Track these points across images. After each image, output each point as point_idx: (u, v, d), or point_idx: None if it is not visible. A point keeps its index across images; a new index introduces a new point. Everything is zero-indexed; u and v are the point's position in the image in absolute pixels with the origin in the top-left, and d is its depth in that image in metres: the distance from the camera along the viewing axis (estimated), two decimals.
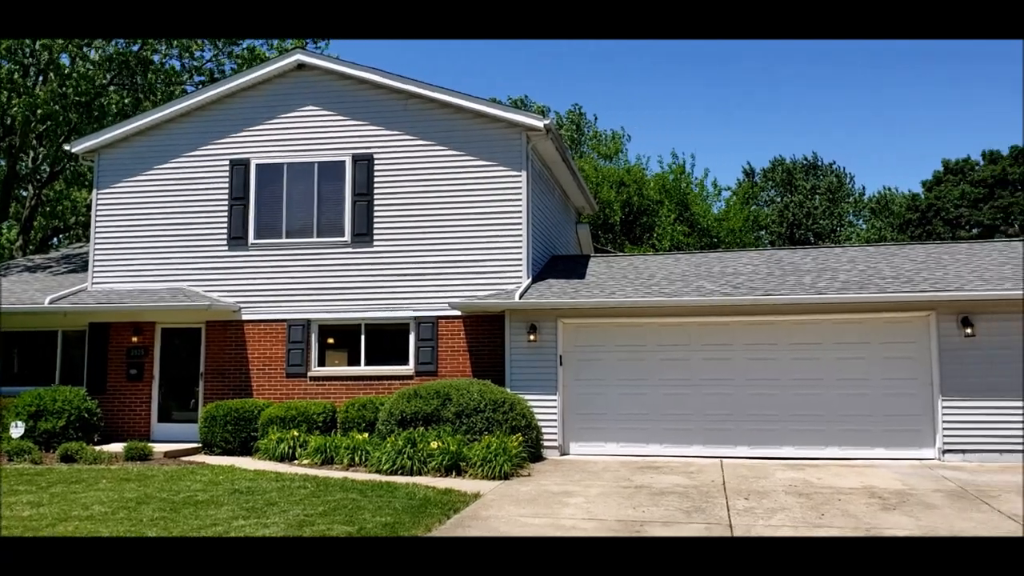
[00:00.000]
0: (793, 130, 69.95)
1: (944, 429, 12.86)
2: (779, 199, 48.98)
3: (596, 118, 48.39)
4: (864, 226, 48.58)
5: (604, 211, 31.34)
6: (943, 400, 12.90)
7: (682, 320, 14.02)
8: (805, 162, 50.20)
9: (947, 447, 12.83)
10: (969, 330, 12.88)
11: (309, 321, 15.63)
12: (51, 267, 20.04)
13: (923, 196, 44.52)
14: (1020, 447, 12.55)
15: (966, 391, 12.85)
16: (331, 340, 15.72)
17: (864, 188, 51.37)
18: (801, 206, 47.10)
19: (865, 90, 70.89)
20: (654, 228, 32.31)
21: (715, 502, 9.77)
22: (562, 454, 13.98)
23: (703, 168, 61.86)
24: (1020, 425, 12.62)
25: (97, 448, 14.31)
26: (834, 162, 50.67)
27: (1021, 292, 12.60)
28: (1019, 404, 12.63)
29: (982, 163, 44.15)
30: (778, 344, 13.76)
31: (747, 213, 37.56)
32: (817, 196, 47.86)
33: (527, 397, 13.82)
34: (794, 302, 13.35)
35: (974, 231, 41.41)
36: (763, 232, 46.29)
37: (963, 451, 12.77)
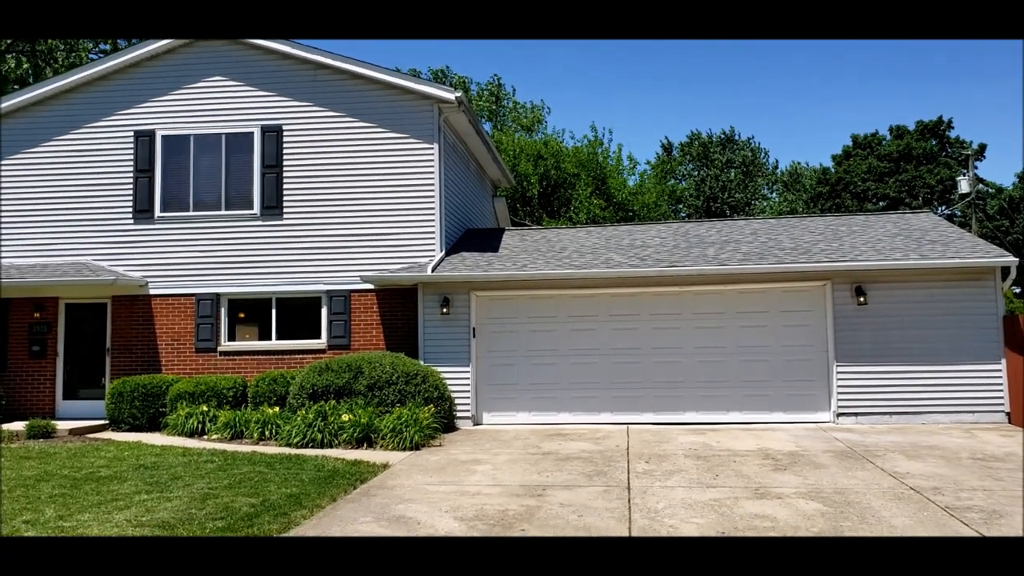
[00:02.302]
0: (711, 106, 71.21)
1: (838, 393, 13.47)
2: (696, 173, 49.95)
3: (515, 90, 48.45)
4: (777, 199, 49.93)
5: (522, 184, 31.52)
6: (837, 366, 13.51)
7: (592, 292, 14.31)
8: (722, 136, 51.23)
9: (841, 410, 13.45)
10: (862, 299, 13.48)
11: (219, 295, 15.43)
12: None
13: (833, 170, 45.95)
14: (908, 409, 13.24)
15: (859, 357, 13.48)
16: (242, 315, 15.56)
17: (778, 162, 52.77)
18: (717, 179, 48.13)
19: (783, 61, 72.51)
20: (571, 202, 32.66)
21: (617, 466, 10.09)
22: (475, 424, 14.18)
23: (620, 143, 62.49)
24: (908, 389, 13.29)
25: None
26: (752, 137, 51.89)
27: (910, 262, 13.23)
28: (907, 368, 13.30)
29: (889, 138, 45.74)
30: (683, 314, 14.17)
31: (663, 187, 38.27)
32: (732, 170, 48.95)
33: (440, 369, 13.96)
34: (697, 273, 13.76)
35: (881, 204, 42.98)
36: (680, 205, 47.22)
37: (856, 414, 13.41)
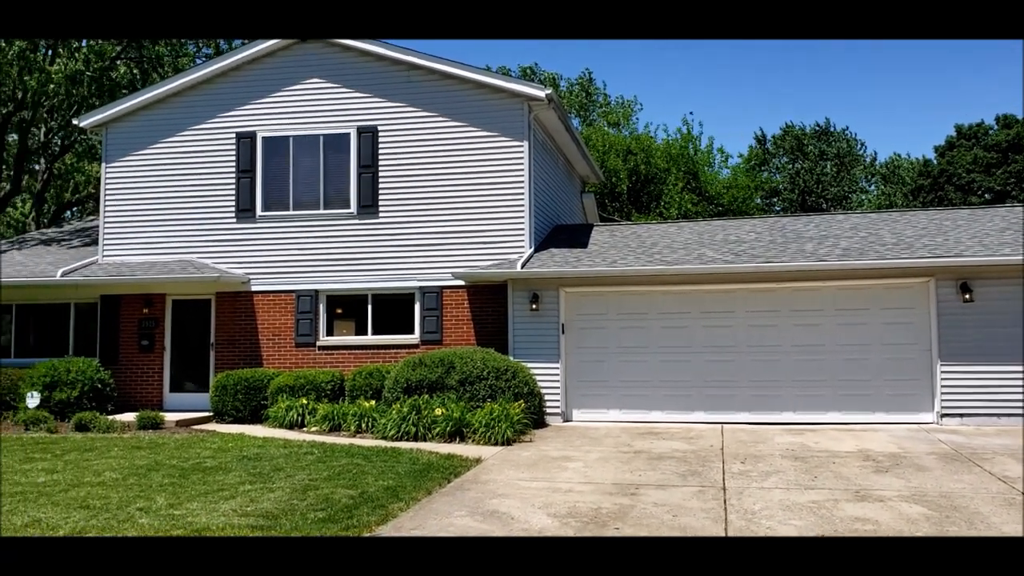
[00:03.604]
0: (806, 98, 69.37)
1: (942, 393, 12.99)
2: (790, 166, 48.77)
3: (605, 85, 48.19)
4: (875, 192, 48.32)
5: (611, 180, 31.36)
6: (941, 365, 13.02)
7: (684, 288, 14.15)
8: (817, 128, 49.86)
9: (945, 411, 12.97)
10: (968, 295, 12.96)
11: (317, 291, 15.86)
12: (65, 240, 20.33)
13: (935, 162, 44.20)
14: (1018, 411, 12.68)
15: (964, 356, 12.97)
16: (339, 310, 15.97)
17: (876, 154, 51.02)
18: (810, 172, 46.87)
19: (880, 54, 70.08)
20: (661, 196, 32.33)
21: (711, 466, 9.97)
22: (565, 421, 14.21)
23: (712, 136, 61.42)
24: (1018, 389, 12.73)
25: (110, 417, 14.64)
26: (847, 128, 50.31)
27: (1020, 258, 12.66)
28: (1017, 368, 12.73)
29: (996, 128, 43.74)
30: (779, 311, 13.88)
31: (757, 181, 37.52)
32: (827, 162, 47.59)
33: (530, 365, 14.03)
34: (795, 269, 13.46)
35: (986, 196, 41.15)
36: (775, 199, 46.21)
37: (961, 415, 12.91)
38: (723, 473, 9.50)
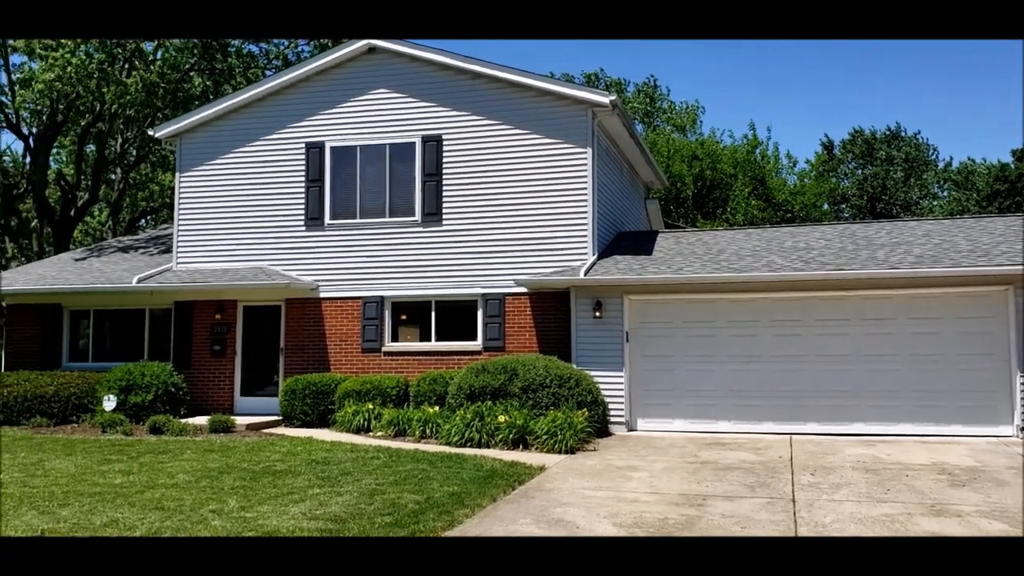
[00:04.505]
0: (875, 102, 67.85)
1: (1022, 405, 12.54)
2: (858, 171, 47.70)
3: (669, 90, 47.82)
4: (947, 198, 46.92)
5: (676, 185, 31.10)
6: (1021, 376, 12.58)
7: (752, 296, 13.95)
8: (887, 132, 48.68)
9: None
10: None
11: (383, 298, 16.06)
12: (141, 248, 20.96)
13: (1013, 166, 42.76)
14: None
15: None
16: (403, 316, 16.14)
17: (951, 159, 49.50)
18: (876, 177, 45.74)
19: (951, 56, 68.16)
20: (728, 202, 31.93)
21: (780, 477, 9.80)
22: (629, 430, 14.11)
23: (778, 142, 60.53)
24: None
25: (183, 421, 15.03)
26: (918, 132, 49.02)
27: None
28: None
29: None
30: (850, 319, 13.59)
31: (826, 186, 36.79)
32: (896, 167, 46.39)
33: (593, 373, 13.98)
34: (866, 277, 13.17)
35: None
36: (843, 205, 45.25)
37: None
38: (792, 485, 9.33)
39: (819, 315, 13.72)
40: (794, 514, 7.90)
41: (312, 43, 26.95)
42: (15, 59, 25.55)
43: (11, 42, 24.36)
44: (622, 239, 16.98)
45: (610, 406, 14.00)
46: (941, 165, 48.36)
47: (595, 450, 12.07)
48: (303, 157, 16.71)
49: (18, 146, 54.64)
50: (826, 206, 39.50)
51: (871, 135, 48.59)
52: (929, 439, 12.64)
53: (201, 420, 15.26)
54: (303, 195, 16.66)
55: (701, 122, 43.51)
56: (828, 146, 49.44)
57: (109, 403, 15.36)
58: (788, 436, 13.20)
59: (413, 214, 16.01)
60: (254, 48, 27.16)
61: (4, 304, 18.63)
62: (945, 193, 47.87)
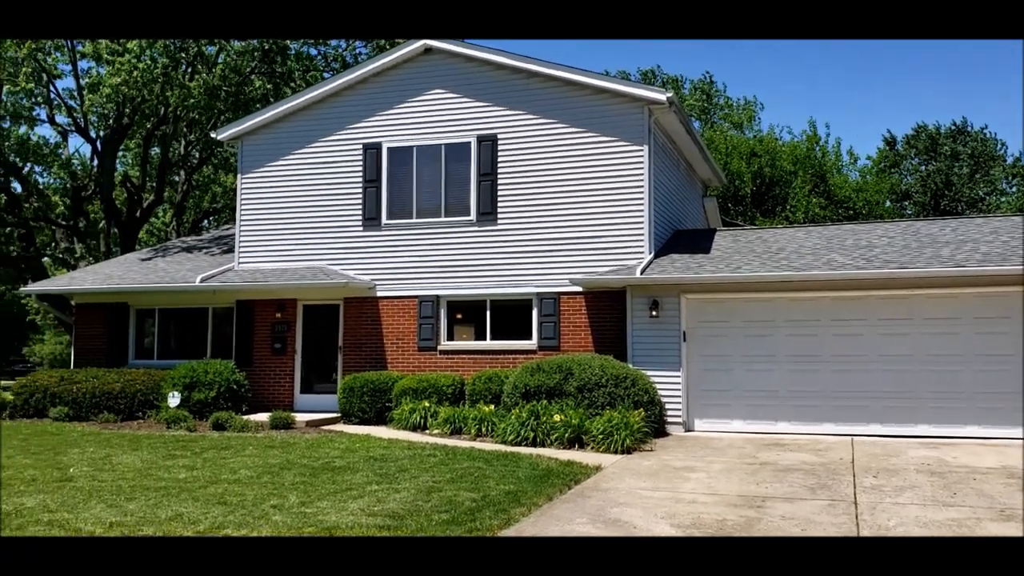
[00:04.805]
0: (938, 98, 66.13)
1: None
2: (921, 168, 46.51)
3: (726, 87, 47.27)
4: (1016, 194, 45.45)
5: (734, 183, 30.71)
6: None
7: (812, 295, 13.72)
8: (952, 128, 47.38)
9: None
10: None
11: (438, 297, 16.17)
12: (204, 248, 21.43)
13: None
14: None
15: None
16: (459, 315, 16.23)
17: (1021, 154, 47.96)
18: (940, 173, 44.50)
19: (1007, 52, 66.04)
20: (787, 200, 31.42)
21: (841, 479, 9.62)
22: (686, 430, 13.99)
23: (838, 137, 59.35)
24: None
25: (244, 417, 15.33)
26: (985, 127, 47.60)
27: None
28: None
29: None
30: (913, 319, 13.28)
31: (889, 183, 35.97)
32: (961, 163, 45.10)
33: (649, 373, 13.88)
34: (931, 275, 12.86)
35: None
36: (906, 203, 44.21)
37: None
38: (854, 487, 9.15)
39: (881, 314, 13.43)
40: (856, 517, 7.75)
41: (369, 45, 27.26)
42: (83, 64, 26.33)
43: (80, 48, 25.13)
44: (679, 237, 16.83)
45: (667, 406, 13.89)
46: (1009, 160, 46.88)
47: (652, 450, 11.99)
48: (360, 158, 16.91)
49: (86, 149, 56.41)
50: (888, 203, 38.63)
51: (935, 130, 47.34)
52: (997, 442, 12.28)
53: (262, 417, 15.55)
54: (360, 195, 16.86)
55: (759, 119, 42.91)
56: (891, 142, 48.33)
57: (173, 400, 15.73)
58: (849, 437, 12.95)
59: (468, 214, 16.09)
60: (313, 51, 27.57)
61: (74, 303, 19.21)
62: (1014, 189, 46.40)
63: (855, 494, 8.78)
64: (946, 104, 65.99)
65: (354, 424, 15.43)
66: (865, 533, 7.18)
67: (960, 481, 9.41)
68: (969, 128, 47.42)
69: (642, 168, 15.02)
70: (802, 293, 13.71)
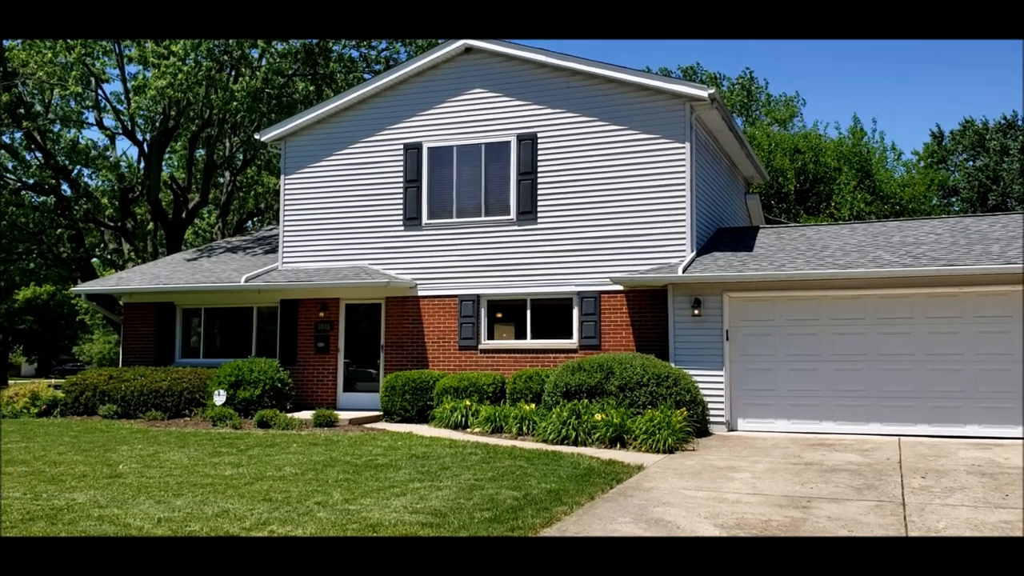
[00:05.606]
0: (986, 93, 64.73)
1: None
2: (970, 163, 45.53)
3: (767, 83, 46.72)
4: None
5: (777, 180, 30.37)
6: None
7: (858, 293, 13.52)
8: (1002, 122, 46.32)
9: None
10: None
11: (479, 296, 16.22)
12: (248, 248, 21.73)
13: None
14: None
15: None
16: (499, 314, 16.26)
17: None
18: (988, 168, 43.50)
19: None
20: (832, 197, 30.98)
21: (889, 480, 9.46)
22: (729, 430, 13.87)
23: (883, 132, 58.35)
24: None
25: (289, 415, 15.51)
26: None
27: None
28: None
29: None
30: (962, 317, 13.02)
31: (938, 178, 35.27)
32: (1011, 158, 44.05)
33: (691, 372, 13.79)
34: (980, 273, 12.59)
35: None
36: (953, 199, 43.34)
37: None
38: (902, 488, 9.00)
39: (929, 312, 13.19)
40: (904, 518, 7.62)
41: (409, 46, 27.39)
42: (131, 69, 26.79)
43: (127, 52, 25.59)
44: (721, 235, 16.68)
45: (709, 406, 13.78)
46: None
47: (694, 450, 11.91)
48: (401, 158, 17.01)
49: (134, 152, 57.48)
50: (935, 200, 37.91)
51: (983, 125, 46.33)
52: None
53: (306, 414, 15.72)
54: (401, 195, 16.96)
55: (801, 115, 42.37)
56: (938, 136, 47.42)
57: (219, 398, 15.97)
58: (896, 437, 12.74)
59: (508, 213, 16.11)
60: (355, 53, 27.79)
61: (122, 303, 19.59)
62: None
63: (903, 495, 8.63)
64: (994, 99, 64.60)
65: (396, 422, 15.54)
66: (914, 534, 7.05)
67: (1012, 483, 9.20)
68: (1019, 123, 46.31)
69: (683, 165, 14.92)
70: (847, 291, 13.52)
